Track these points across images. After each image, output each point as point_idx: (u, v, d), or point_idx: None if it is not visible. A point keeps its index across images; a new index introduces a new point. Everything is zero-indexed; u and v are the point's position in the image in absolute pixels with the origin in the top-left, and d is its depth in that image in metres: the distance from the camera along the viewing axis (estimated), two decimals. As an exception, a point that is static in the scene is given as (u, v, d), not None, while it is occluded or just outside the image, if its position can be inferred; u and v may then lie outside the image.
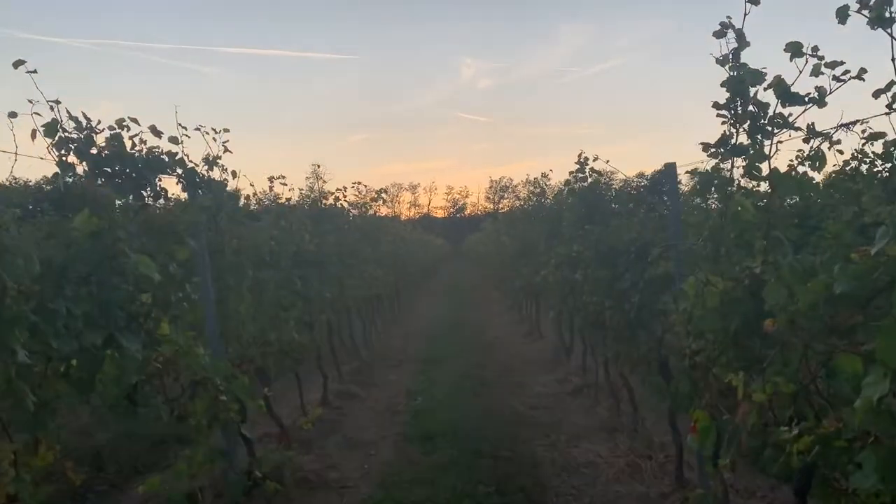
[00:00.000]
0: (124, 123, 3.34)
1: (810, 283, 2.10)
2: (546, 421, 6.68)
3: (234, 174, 4.81)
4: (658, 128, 77.98)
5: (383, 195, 12.55)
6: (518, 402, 7.44)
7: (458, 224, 53.96)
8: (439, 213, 65.05)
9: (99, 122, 3.28)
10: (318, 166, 8.96)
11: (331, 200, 9.09)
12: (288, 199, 8.03)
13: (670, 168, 4.33)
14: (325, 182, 9.53)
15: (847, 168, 6.52)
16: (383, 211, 13.42)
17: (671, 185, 4.32)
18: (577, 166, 6.40)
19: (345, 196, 9.06)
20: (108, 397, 3.17)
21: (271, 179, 7.41)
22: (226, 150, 4.56)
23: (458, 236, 41.55)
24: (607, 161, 5.89)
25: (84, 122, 3.23)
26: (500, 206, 55.31)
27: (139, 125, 3.37)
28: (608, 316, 5.47)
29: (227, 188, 4.65)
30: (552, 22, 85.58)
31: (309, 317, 6.98)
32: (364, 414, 7.32)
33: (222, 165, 4.53)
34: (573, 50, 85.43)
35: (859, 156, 6.88)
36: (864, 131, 6.45)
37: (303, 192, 9.05)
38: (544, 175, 9.92)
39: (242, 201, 5.67)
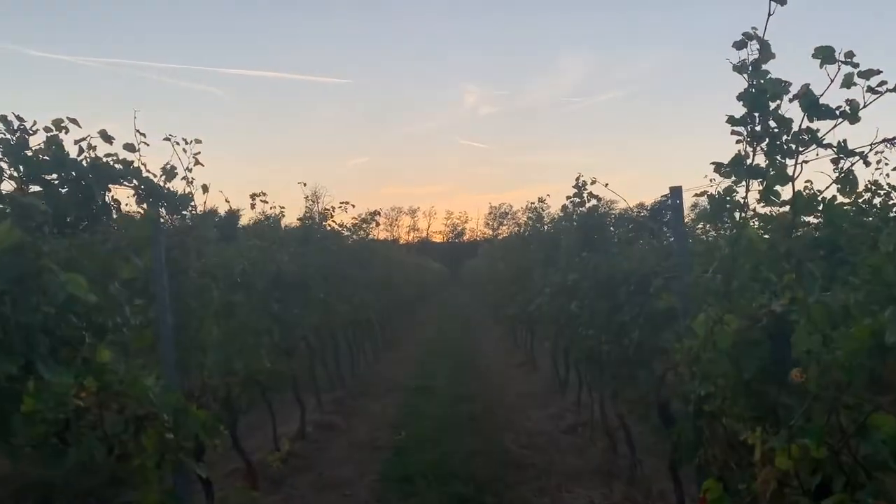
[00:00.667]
0: (63, 125, 2.97)
1: (854, 330, 1.71)
2: (537, 462, 6.22)
3: (204, 188, 4.48)
4: (660, 159, 78.24)
5: (377, 217, 12.19)
6: (508, 440, 6.97)
7: (456, 249, 53.59)
8: (438, 238, 64.73)
9: (34, 122, 2.92)
10: (305, 184, 8.54)
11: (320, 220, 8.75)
12: (277, 218, 7.69)
13: (676, 192, 3.95)
14: (316, 203, 9.14)
15: (860, 200, 6.11)
16: (382, 234, 13.16)
17: (676, 211, 3.94)
18: (575, 190, 6.06)
19: (332, 215, 8.70)
20: (29, 435, 2.76)
21: (253, 197, 7.09)
22: (197, 162, 4.27)
23: (457, 261, 41.12)
24: (606, 184, 5.52)
25: (16, 123, 2.87)
26: (500, 232, 54.95)
27: (79, 126, 3.01)
28: (605, 351, 5.07)
29: (193, 202, 4.28)
30: (556, 51, 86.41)
31: (287, 342, 6.56)
32: (343, 449, 6.85)
33: (191, 179, 4.21)
34: (577, 79, 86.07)
35: (873, 187, 6.49)
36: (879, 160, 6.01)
37: (302, 214, 8.68)
38: (541, 200, 9.54)
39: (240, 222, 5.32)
